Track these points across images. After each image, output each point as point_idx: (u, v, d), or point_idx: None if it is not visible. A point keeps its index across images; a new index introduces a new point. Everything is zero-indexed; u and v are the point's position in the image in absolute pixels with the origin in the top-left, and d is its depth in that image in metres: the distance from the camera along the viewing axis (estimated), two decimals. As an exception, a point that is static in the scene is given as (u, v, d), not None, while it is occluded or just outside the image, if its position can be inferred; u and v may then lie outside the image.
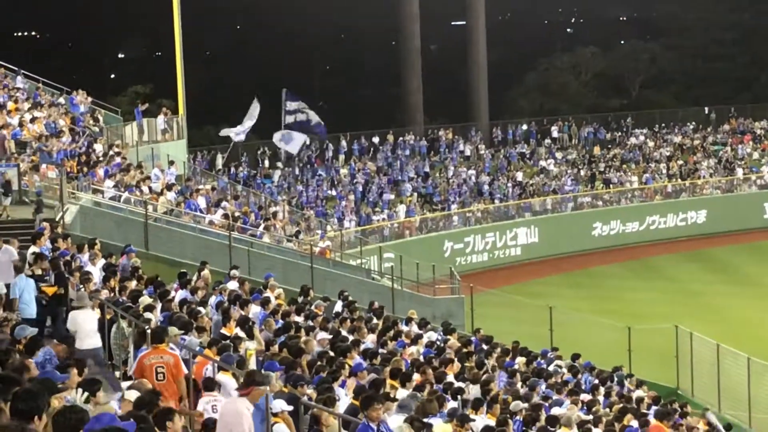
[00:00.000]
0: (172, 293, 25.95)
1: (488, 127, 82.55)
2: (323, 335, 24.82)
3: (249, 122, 55.16)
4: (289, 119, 54.19)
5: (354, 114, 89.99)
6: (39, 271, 23.52)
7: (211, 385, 17.33)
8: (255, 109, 54.83)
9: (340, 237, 55.26)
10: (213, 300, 26.36)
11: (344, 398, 19.23)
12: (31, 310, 22.29)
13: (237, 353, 19.77)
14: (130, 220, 38.22)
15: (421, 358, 26.09)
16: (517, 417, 22.98)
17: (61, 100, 49.66)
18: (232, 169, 67.35)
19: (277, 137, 55.44)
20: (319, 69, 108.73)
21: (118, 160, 43.15)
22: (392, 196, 67.48)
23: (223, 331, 22.92)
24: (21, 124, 41.50)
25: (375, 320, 30.47)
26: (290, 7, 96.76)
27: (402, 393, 20.78)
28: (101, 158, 42.07)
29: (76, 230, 34.31)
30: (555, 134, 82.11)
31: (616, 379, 34.20)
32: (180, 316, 21.72)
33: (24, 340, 17.06)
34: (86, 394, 14.16)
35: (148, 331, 18.94)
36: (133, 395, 14.28)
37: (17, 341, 17.06)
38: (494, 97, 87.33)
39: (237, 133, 55.97)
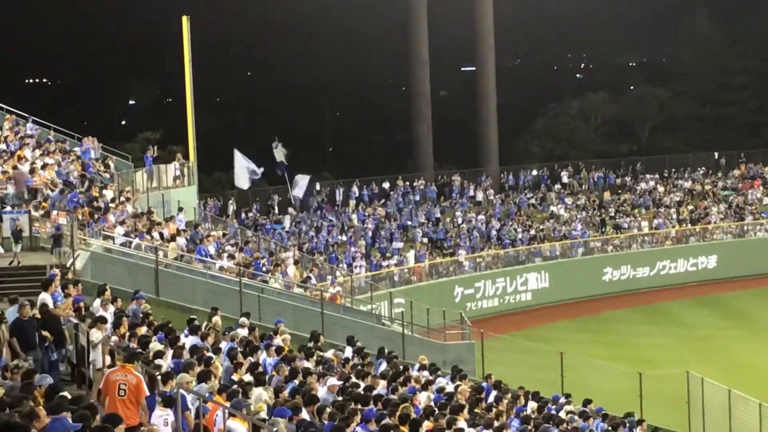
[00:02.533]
0: (183, 339, 25.92)
1: (498, 172, 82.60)
2: (332, 381, 24.72)
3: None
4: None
5: (364, 159, 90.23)
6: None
7: (169, 402, 18.11)
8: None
9: (350, 282, 55.21)
10: (225, 346, 26.30)
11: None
12: None
13: (247, 399, 19.74)
14: (141, 266, 38.24)
15: (432, 404, 26.00)
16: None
17: (76, 149, 49.78)
18: (243, 215, 67.44)
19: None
20: (329, 115, 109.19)
21: (128, 206, 43.24)
22: (401, 244, 67.42)
23: (234, 377, 22.87)
24: (32, 171, 41.62)
25: (386, 366, 30.38)
26: (300, 54, 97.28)
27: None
28: (111, 204, 42.16)
29: (86, 276, 34.33)
30: (565, 179, 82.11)
31: (627, 425, 34.04)
32: (190, 362, 21.68)
33: (40, 388, 17.14)
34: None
35: (158, 377, 19.11)
36: None
37: (34, 388, 17.11)
38: (504, 143, 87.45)
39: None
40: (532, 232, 72.09)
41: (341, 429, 19.07)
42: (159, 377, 19.49)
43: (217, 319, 29.39)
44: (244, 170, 58.44)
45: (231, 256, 42.32)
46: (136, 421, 18.25)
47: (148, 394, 18.72)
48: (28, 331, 22.96)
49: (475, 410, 27.17)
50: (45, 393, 16.85)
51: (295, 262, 46.99)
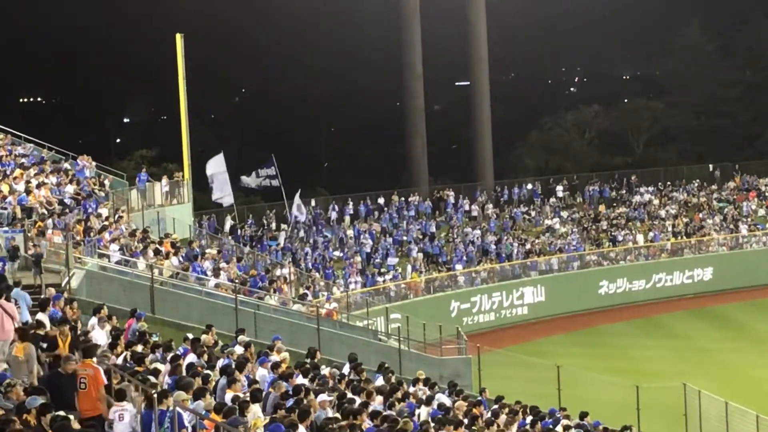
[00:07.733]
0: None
1: (493, 186, 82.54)
2: (325, 397, 24.42)
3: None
4: (258, 179, 56.37)
5: (359, 175, 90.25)
6: None
7: (121, 395, 19.44)
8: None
9: (346, 298, 55.21)
10: (220, 363, 26.26)
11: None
12: (25, 316, 24.84)
13: (243, 417, 19.73)
14: (136, 284, 38.21)
15: (430, 420, 25.95)
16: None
17: (67, 165, 49.76)
18: (238, 231, 67.31)
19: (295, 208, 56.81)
20: (324, 130, 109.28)
21: (122, 224, 43.24)
22: (397, 259, 67.33)
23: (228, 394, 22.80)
24: (28, 191, 41.62)
25: (382, 381, 30.31)
26: (294, 71, 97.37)
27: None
28: (106, 223, 42.15)
29: (82, 295, 34.30)
30: (560, 193, 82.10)
31: (625, 438, 34.03)
32: (187, 380, 21.63)
33: (34, 410, 17.08)
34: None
35: (155, 395, 19.10)
36: None
37: (27, 410, 17.05)
38: (499, 156, 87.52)
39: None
40: (528, 246, 72.10)
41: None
42: (155, 395, 19.45)
43: (205, 337, 29.33)
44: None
45: (219, 270, 42.24)
46: (98, 411, 19.21)
47: (106, 383, 19.68)
48: (65, 389, 19.50)
49: (473, 427, 27.13)
50: (38, 412, 16.87)
51: (288, 282, 47.05)
